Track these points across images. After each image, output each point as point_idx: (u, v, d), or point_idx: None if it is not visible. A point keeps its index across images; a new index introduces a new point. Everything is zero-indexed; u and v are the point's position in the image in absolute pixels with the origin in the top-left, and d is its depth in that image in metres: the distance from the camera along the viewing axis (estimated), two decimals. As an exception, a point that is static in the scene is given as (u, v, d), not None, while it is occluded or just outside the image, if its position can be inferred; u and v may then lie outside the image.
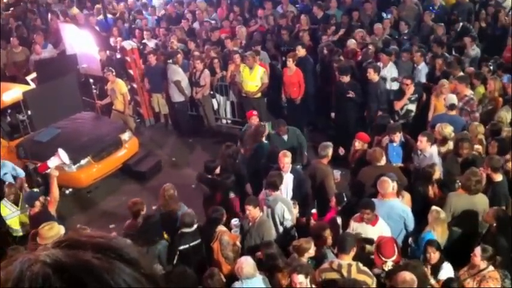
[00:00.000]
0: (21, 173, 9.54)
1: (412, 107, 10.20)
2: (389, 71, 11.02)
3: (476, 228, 7.16)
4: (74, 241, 0.97)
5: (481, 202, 7.15)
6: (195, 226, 7.27)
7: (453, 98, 9.22)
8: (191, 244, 7.21)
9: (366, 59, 11.37)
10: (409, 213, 7.17)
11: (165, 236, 7.56)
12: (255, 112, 10.09)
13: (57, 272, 0.89)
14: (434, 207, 6.88)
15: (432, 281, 6.28)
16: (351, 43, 11.95)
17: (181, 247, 7.19)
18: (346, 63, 11.14)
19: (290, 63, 11.15)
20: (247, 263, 6.15)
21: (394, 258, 6.32)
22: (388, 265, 6.29)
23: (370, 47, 11.74)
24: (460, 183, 7.32)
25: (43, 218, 7.48)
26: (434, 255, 6.35)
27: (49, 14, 17.70)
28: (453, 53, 11.77)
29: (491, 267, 5.97)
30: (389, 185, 7.14)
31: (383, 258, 6.29)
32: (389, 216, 7.05)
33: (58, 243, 0.97)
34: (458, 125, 8.81)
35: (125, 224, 7.68)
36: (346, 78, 10.46)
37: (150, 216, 7.59)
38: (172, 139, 12.92)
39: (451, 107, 9.13)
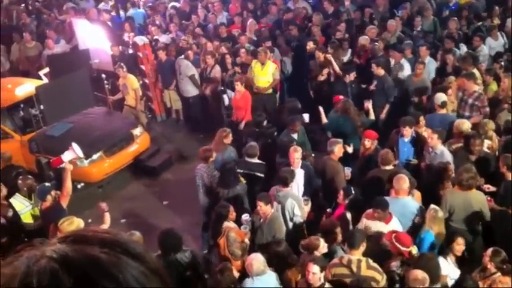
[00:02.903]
0: None
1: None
2: (401, 67, 10.95)
3: (474, 225, 7.11)
4: (79, 236, 0.96)
5: (476, 198, 7.11)
6: (257, 160, 8.53)
7: (442, 97, 9.18)
8: (245, 171, 8.43)
9: (375, 54, 11.33)
10: (423, 211, 7.13)
11: (242, 179, 8.21)
12: (341, 96, 10.00)
13: (64, 267, 0.88)
14: (432, 206, 6.82)
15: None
16: (363, 39, 11.87)
17: (238, 170, 8.36)
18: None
19: (238, 86, 10.78)
20: (256, 260, 6.15)
21: (412, 247, 6.31)
22: (414, 252, 6.27)
23: (377, 43, 11.69)
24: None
25: (54, 212, 7.53)
26: (462, 246, 6.38)
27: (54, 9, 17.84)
28: (464, 49, 11.68)
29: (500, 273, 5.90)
30: (406, 182, 7.11)
31: (405, 248, 6.23)
32: (402, 214, 7.03)
33: (64, 238, 0.96)
34: (448, 122, 8.81)
35: (197, 167, 8.61)
36: (349, 77, 10.61)
37: (227, 162, 8.39)
38: (183, 134, 12.95)
39: (443, 104, 9.10)
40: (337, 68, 11.09)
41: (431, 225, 6.69)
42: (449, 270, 6.29)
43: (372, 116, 9.71)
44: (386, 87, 10.34)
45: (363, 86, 11.03)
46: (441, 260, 6.26)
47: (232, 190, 8.06)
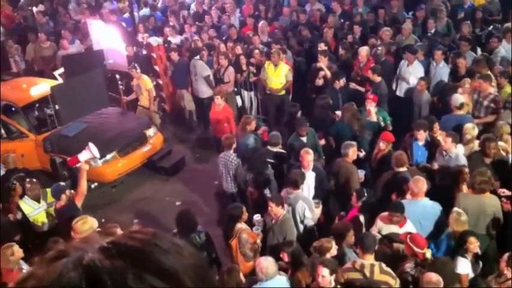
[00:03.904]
0: None
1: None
2: (415, 69, 10.90)
3: (487, 229, 7.07)
4: (120, 246, 0.98)
5: (490, 202, 7.07)
6: (278, 149, 8.98)
7: (460, 98, 9.13)
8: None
9: (378, 60, 11.15)
10: (441, 210, 7.11)
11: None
12: (370, 96, 9.88)
13: (91, 282, 0.91)
14: (455, 209, 6.81)
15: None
16: (363, 50, 11.49)
17: None
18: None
19: (218, 100, 10.54)
20: (267, 263, 6.11)
21: (426, 249, 6.31)
22: (427, 255, 6.26)
23: (380, 48, 11.49)
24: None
25: (69, 211, 7.58)
26: (476, 244, 6.35)
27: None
28: (479, 52, 11.61)
29: None
30: (424, 183, 7.10)
31: (419, 250, 6.22)
32: (423, 216, 7.03)
33: (107, 247, 0.97)
34: (466, 123, 8.71)
35: (220, 155, 9.14)
36: (339, 83, 10.58)
37: (257, 149, 8.91)
38: (196, 135, 12.99)
39: (461, 106, 9.05)
40: (328, 73, 11.04)
41: (454, 227, 6.67)
42: (470, 269, 6.31)
43: (374, 119, 9.68)
44: (379, 94, 10.26)
45: (353, 87, 11.00)
46: (461, 259, 6.27)
47: (261, 175, 8.42)
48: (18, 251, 6.74)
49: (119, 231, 6.69)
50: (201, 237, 7.04)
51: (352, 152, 8.33)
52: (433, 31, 12.77)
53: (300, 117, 9.86)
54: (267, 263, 6.10)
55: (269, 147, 9.04)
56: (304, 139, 9.20)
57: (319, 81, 11.23)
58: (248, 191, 8.62)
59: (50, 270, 0.94)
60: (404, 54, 11.19)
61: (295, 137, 9.32)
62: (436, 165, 8.34)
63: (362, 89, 10.92)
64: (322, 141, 9.81)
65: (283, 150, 9.12)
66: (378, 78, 10.46)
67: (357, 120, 9.41)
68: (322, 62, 11.22)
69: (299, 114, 10.02)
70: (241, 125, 9.82)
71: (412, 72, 10.87)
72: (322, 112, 10.14)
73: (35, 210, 8.29)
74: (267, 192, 8.33)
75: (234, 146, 8.98)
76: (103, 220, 8.94)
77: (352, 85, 10.98)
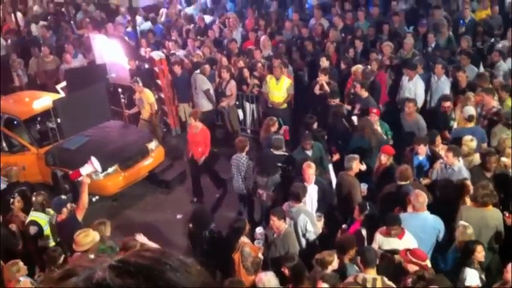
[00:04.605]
0: None
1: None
2: (415, 84, 10.90)
3: (490, 243, 7.02)
4: (130, 264, 0.98)
5: (492, 216, 7.04)
6: (282, 152, 9.08)
7: (471, 110, 9.13)
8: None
9: (367, 78, 10.97)
10: (443, 227, 7.08)
11: None
12: (374, 110, 9.78)
13: None
14: (461, 222, 6.79)
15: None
16: (356, 68, 11.41)
17: None
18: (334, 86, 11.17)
19: (193, 122, 10.35)
20: (268, 278, 6.08)
21: (428, 261, 6.27)
22: (429, 265, 6.24)
23: (369, 66, 11.40)
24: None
25: (70, 224, 7.56)
26: (483, 253, 6.35)
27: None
28: (481, 66, 11.63)
29: None
30: (424, 197, 7.09)
31: (421, 262, 6.19)
32: (423, 229, 6.99)
33: (118, 265, 0.98)
34: (479, 135, 8.74)
35: (232, 157, 9.30)
36: (335, 101, 10.50)
37: (268, 152, 9.18)
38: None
39: (470, 118, 9.03)
40: (327, 89, 11.04)
41: (460, 240, 6.64)
42: (479, 280, 6.27)
43: (383, 136, 9.65)
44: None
45: (348, 108, 10.82)
46: (470, 271, 6.23)
47: (271, 178, 8.67)
48: (23, 268, 6.82)
49: (139, 245, 6.72)
50: (209, 234, 7.41)
51: (355, 165, 8.32)
52: (433, 45, 12.80)
53: (315, 129, 9.80)
54: (268, 277, 6.10)
55: (272, 150, 9.11)
56: (309, 152, 9.16)
57: (318, 91, 11.26)
58: (258, 192, 8.91)
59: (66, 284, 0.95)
60: (404, 69, 11.21)
61: (299, 150, 9.30)
62: (434, 176, 8.32)
63: (348, 107, 10.85)
64: (337, 156, 9.74)
65: (286, 153, 9.22)
66: (365, 94, 10.40)
67: (375, 136, 9.41)
68: (323, 80, 11.23)
69: (315, 126, 9.92)
70: (265, 127, 10.07)
71: (412, 88, 10.87)
72: (335, 120, 10.15)
73: (47, 222, 8.26)
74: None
75: (247, 149, 9.16)
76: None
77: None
